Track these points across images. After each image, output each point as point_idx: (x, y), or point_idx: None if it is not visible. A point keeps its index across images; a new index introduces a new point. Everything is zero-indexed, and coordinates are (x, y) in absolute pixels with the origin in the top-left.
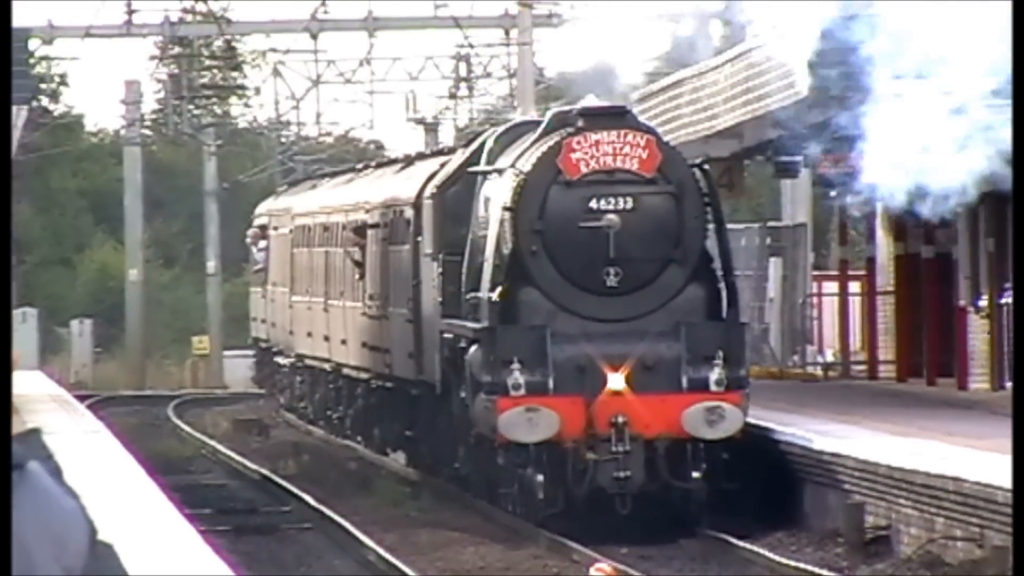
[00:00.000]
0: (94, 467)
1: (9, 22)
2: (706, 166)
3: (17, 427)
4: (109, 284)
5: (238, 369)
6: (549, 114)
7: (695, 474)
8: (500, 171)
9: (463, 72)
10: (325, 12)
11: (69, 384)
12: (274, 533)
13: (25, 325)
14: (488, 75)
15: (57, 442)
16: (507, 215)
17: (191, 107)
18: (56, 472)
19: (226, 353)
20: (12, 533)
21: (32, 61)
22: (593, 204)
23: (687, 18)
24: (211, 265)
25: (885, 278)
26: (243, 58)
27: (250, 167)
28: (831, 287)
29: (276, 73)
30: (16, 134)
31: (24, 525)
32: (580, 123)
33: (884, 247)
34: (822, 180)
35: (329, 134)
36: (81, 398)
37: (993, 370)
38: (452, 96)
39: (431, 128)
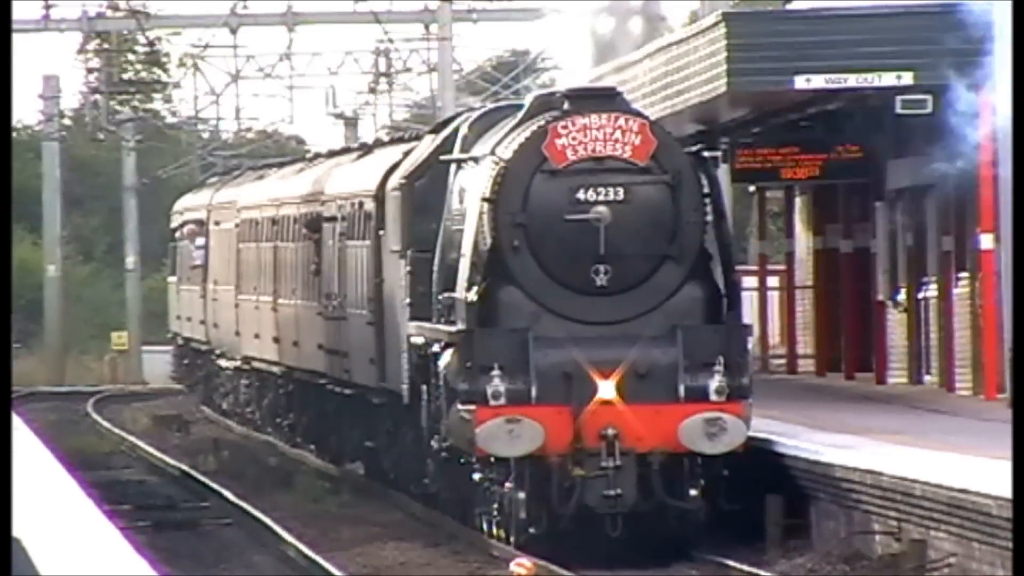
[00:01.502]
0: (15, 463)
1: (9, 23)
2: (705, 153)
3: None
4: (27, 280)
5: (157, 365)
6: (530, 96)
7: (693, 492)
8: (477, 159)
9: (383, 67)
10: (244, 7)
11: None
12: (194, 529)
13: None
14: (408, 70)
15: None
16: (486, 207)
17: (111, 102)
18: None
19: (145, 348)
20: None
21: None
22: (581, 195)
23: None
24: (130, 261)
25: (804, 272)
26: (164, 53)
27: (170, 163)
28: (750, 282)
29: (195, 68)
30: None
31: None
32: (566, 106)
33: (803, 242)
34: (741, 175)
35: (249, 129)
36: None
37: (911, 364)
38: (372, 91)
39: (351, 123)
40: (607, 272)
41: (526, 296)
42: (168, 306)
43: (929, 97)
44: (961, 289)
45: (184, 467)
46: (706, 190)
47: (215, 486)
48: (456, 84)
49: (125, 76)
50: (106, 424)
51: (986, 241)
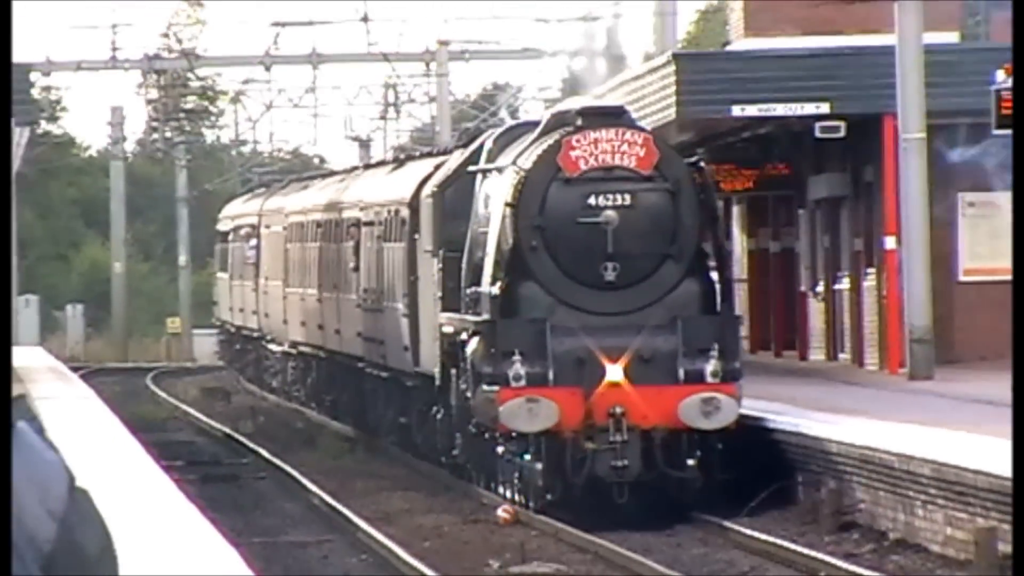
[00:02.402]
0: (85, 426)
1: (9, 23)
2: (701, 164)
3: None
4: (97, 275)
5: (204, 345)
6: (547, 114)
7: (690, 463)
8: (500, 169)
9: (391, 98)
10: (276, 48)
11: (64, 358)
12: (235, 481)
13: (28, 309)
14: (412, 100)
15: (55, 406)
16: (508, 211)
17: (166, 128)
18: (40, 431)
19: (195, 331)
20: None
21: (33, 90)
22: (592, 201)
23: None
24: (182, 259)
25: (740, 268)
26: (210, 87)
27: (215, 178)
28: None
29: (236, 100)
30: (20, 151)
31: (14, 474)
32: (579, 122)
33: (739, 243)
34: None
35: (280, 150)
36: (74, 369)
37: (828, 344)
38: (382, 118)
39: (364, 144)
40: (615, 269)
41: (543, 290)
42: (214, 296)
43: (842, 123)
44: (869, 282)
45: (227, 430)
46: (702, 196)
47: (252, 446)
48: (451, 113)
49: (177, 106)
50: (162, 394)
51: (890, 242)
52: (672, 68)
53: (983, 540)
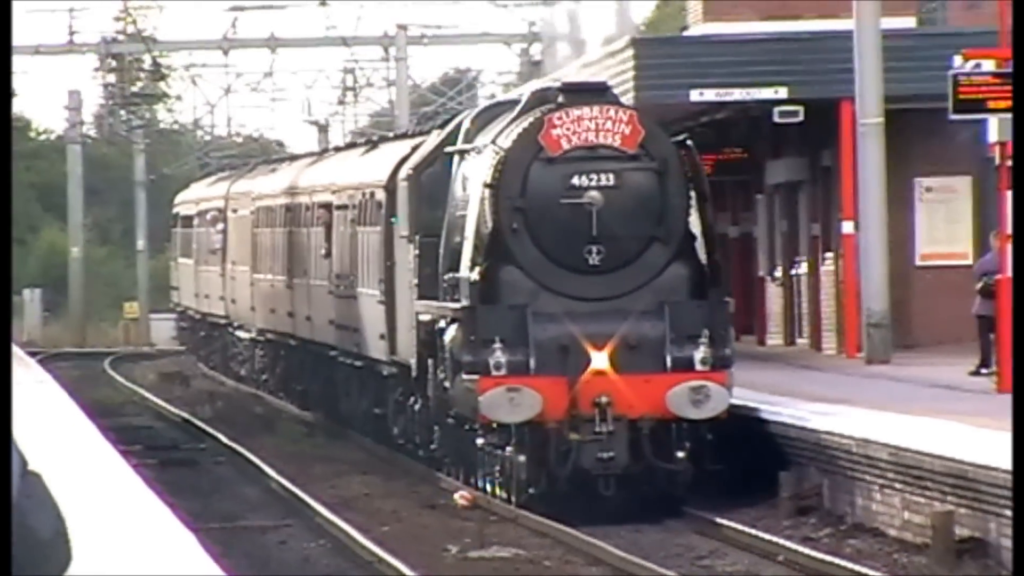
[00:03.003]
0: (43, 412)
1: (9, 23)
2: (689, 142)
3: None
4: (55, 260)
5: (162, 330)
6: (526, 91)
7: (679, 454)
8: (479, 149)
9: (350, 83)
10: (234, 32)
11: (22, 342)
12: (193, 466)
13: None
14: (371, 85)
15: (13, 390)
16: (487, 192)
17: (124, 112)
18: None
19: (152, 316)
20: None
21: None
22: (575, 181)
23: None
24: (140, 243)
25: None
26: (167, 71)
27: (172, 162)
28: None
29: (193, 83)
30: None
31: None
32: (561, 99)
33: (698, 228)
34: None
35: (238, 134)
36: (32, 354)
37: (786, 329)
38: (341, 102)
39: (323, 128)
40: (599, 252)
41: (525, 275)
42: (172, 281)
43: (800, 108)
44: (827, 267)
45: (185, 415)
46: (690, 175)
47: (211, 431)
48: (410, 97)
49: (135, 90)
50: (120, 379)
51: (847, 227)
52: (630, 52)
53: (940, 524)
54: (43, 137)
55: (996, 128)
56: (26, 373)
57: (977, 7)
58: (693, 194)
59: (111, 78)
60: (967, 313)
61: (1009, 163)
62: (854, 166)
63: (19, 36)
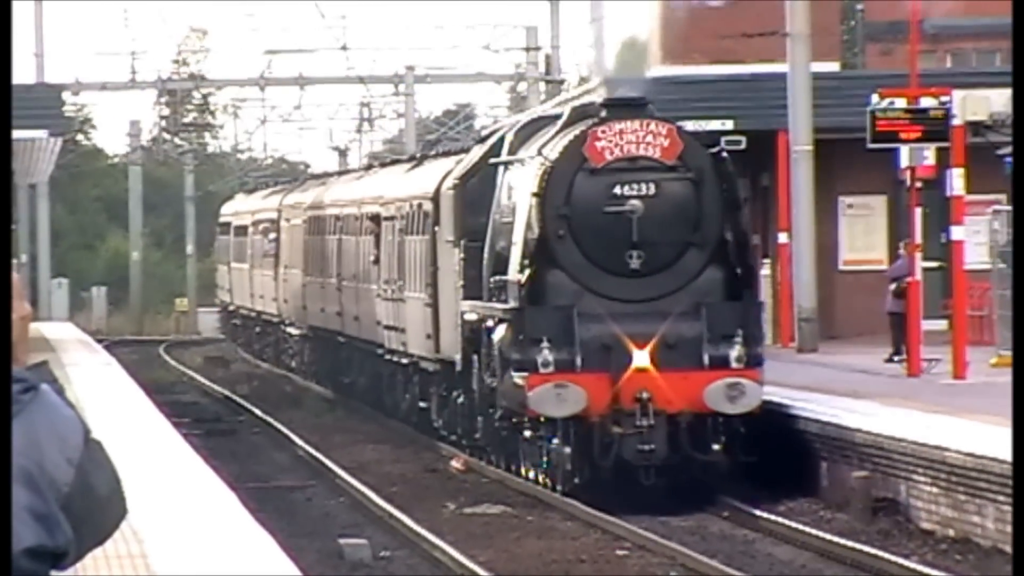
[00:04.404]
0: (108, 389)
1: (9, 23)
2: (724, 154)
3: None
4: (118, 262)
5: (208, 321)
6: (568, 107)
7: (715, 447)
8: (524, 160)
9: (366, 114)
10: (269, 72)
11: (90, 331)
12: (233, 435)
13: (60, 290)
14: (383, 116)
15: (83, 371)
16: (534, 201)
17: (176, 139)
18: (60, 391)
19: (200, 310)
20: (31, 433)
21: (64, 107)
22: (617, 190)
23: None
24: (189, 248)
25: None
26: (213, 105)
27: (217, 180)
28: None
29: (235, 115)
30: (53, 158)
31: (38, 427)
32: (603, 113)
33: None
34: None
35: (271, 157)
36: (98, 341)
37: None
38: (358, 131)
39: (343, 153)
40: (640, 257)
41: (569, 278)
42: (220, 282)
43: (743, 137)
44: (765, 270)
45: (226, 392)
46: (725, 185)
47: (248, 405)
48: (416, 127)
49: (186, 120)
50: (172, 362)
51: (782, 237)
52: (604, 90)
53: (859, 487)
54: (109, 160)
55: (907, 155)
56: (94, 357)
57: (891, 53)
58: (727, 202)
59: (166, 110)
60: (881, 310)
61: (918, 184)
62: (788, 186)
63: (88, 74)
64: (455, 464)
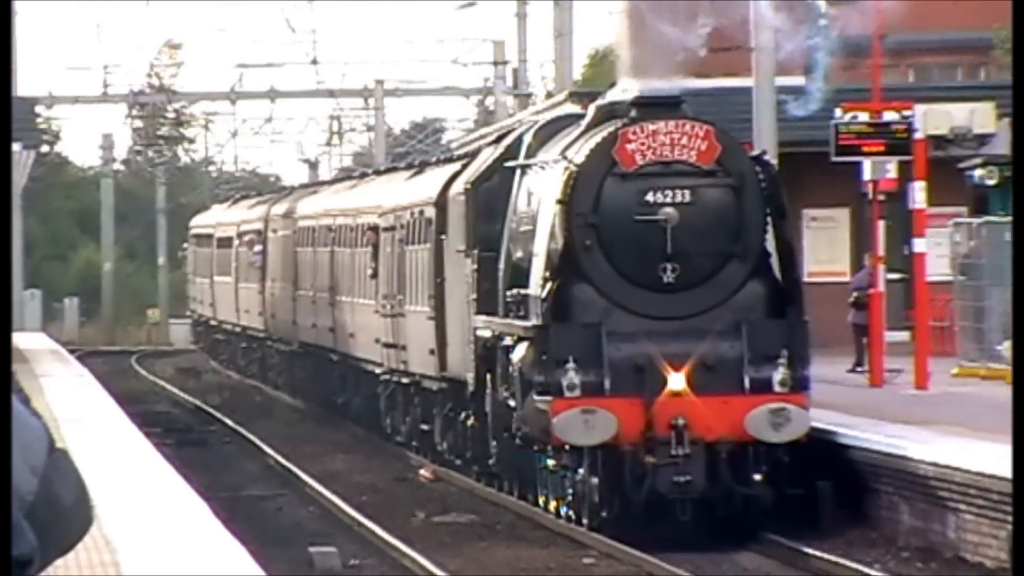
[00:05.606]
0: (80, 399)
1: (10, 23)
2: (766, 157)
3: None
4: (91, 273)
5: (179, 332)
6: (592, 107)
7: (757, 478)
8: (545, 164)
9: (335, 127)
10: (240, 86)
11: (62, 342)
12: (204, 445)
13: (32, 301)
14: (353, 130)
15: (55, 382)
16: (559, 208)
17: (148, 151)
18: (25, 401)
19: (171, 321)
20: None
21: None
22: (649, 197)
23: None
24: (161, 260)
25: None
26: (185, 118)
27: (188, 193)
28: None
29: (206, 127)
30: (26, 170)
31: None
32: (634, 113)
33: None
34: None
35: (243, 170)
36: (71, 351)
37: None
38: (328, 144)
39: (314, 165)
40: (674, 270)
41: (598, 292)
42: (191, 294)
43: None
44: None
45: (197, 402)
46: (768, 192)
47: (219, 416)
48: (386, 140)
49: (158, 133)
50: (144, 372)
51: None
52: (568, 104)
53: (822, 492)
54: (82, 172)
55: (869, 168)
56: (66, 367)
57: (854, 68)
58: (770, 210)
59: (138, 123)
60: (845, 321)
61: (881, 197)
62: None
63: (61, 87)
64: (424, 473)
